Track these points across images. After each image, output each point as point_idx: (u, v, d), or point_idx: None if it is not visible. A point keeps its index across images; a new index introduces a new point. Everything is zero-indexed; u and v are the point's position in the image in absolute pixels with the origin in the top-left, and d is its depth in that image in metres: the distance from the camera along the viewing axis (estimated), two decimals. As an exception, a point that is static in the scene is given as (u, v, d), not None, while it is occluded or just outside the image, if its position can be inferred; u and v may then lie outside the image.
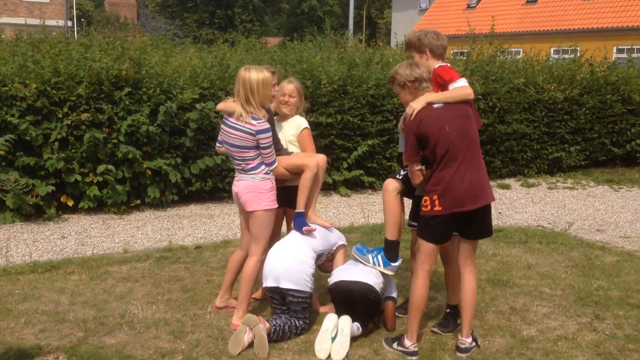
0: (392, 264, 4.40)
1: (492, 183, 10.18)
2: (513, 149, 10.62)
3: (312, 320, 4.45)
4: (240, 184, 4.39)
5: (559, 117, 11.05)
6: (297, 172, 4.53)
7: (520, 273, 5.73)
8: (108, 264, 5.74)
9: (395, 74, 4.08)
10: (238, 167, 4.40)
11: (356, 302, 4.24)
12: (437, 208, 3.94)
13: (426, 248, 4.05)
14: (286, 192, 4.63)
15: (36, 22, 17.22)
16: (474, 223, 4.06)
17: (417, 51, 4.19)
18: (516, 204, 8.91)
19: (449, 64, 4.19)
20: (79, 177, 7.42)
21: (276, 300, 4.35)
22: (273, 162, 4.37)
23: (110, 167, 7.47)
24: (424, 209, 4.02)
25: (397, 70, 4.09)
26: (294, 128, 4.73)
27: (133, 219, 7.52)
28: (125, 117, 7.61)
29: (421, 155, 4.01)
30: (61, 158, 7.31)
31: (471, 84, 9.86)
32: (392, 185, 4.33)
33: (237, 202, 4.51)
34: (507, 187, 10.01)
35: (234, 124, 4.28)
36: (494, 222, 7.68)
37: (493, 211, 8.27)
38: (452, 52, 12.31)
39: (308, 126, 4.78)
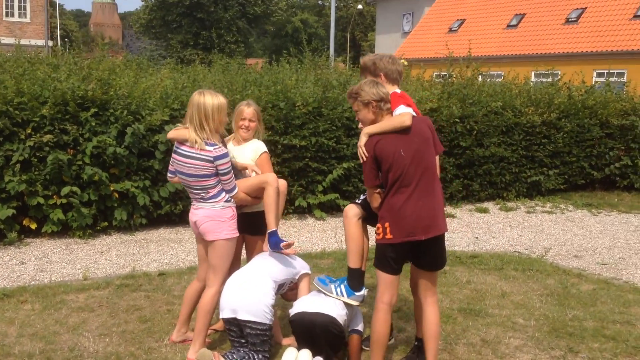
0: (356, 294, 4.19)
1: (470, 206, 10.16)
2: (491, 172, 10.51)
3: (272, 354, 4.23)
4: (199, 213, 4.17)
5: (537, 141, 10.97)
6: (257, 196, 4.35)
7: (494, 302, 5.54)
8: (65, 292, 5.48)
9: (360, 90, 3.91)
10: (196, 196, 4.19)
11: (318, 335, 4.02)
12: (389, 236, 3.77)
13: (382, 279, 3.87)
14: (246, 218, 4.43)
15: (16, 41, 17.01)
16: (427, 254, 3.89)
17: (371, 75, 4.09)
18: (494, 228, 8.77)
19: (399, 91, 4.04)
20: (41, 200, 7.16)
21: (234, 333, 4.12)
22: (234, 188, 4.17)
23: (75, 189, 7.22)
24: (377, 237, 3.86)
25: (362, 86, 3.91)
26: (251, 152, 4.54)
27: (98, 244, 7.26)
28: (90, 138, 7.39)
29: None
30: (23, 180, 7.06)
31: (448, 107, 9.89)
32: (352, 210, 4.15)
33: (194, 230, 4.30)
34: (485, 210, 9.88)
35: (189, 152, 4.07)
36: (471, 248, 7.60)
37: (470, 235, 8.23)
38: (433, 74, 12.25)
39: (266, 150, 4.60)
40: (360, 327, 4.26)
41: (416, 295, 4.25)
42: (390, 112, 3.89)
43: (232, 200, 4.18)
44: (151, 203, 7.81)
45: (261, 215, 4.36)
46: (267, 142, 8.31)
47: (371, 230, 4.13)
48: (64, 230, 7.48)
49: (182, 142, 4.11)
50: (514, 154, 10.70)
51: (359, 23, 58.92)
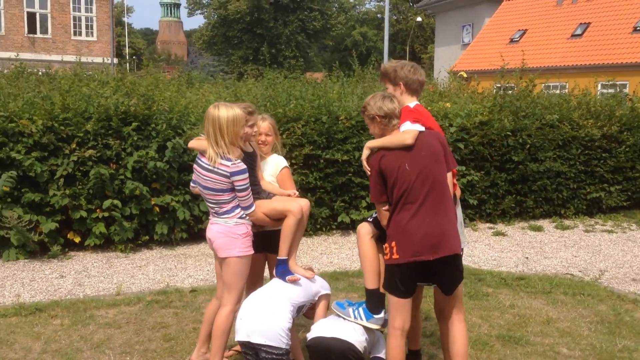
0: (376, 317, 3.97)
1: (523, 224, 9.71)
2: (547, 188, 10.04)
3: (292, 379, 4.05)
4: (214, 228, 4.07)
5: (597, 155, 10.43)
6: (278, 218, 4.18)
7: (537, 329, 5.19)
8: (96, 307, 5.47)
9: (366, 104, 3.77)
10: (211, 210, 4.09)
11: (335, 361, 3.83)
12: (395, 256, 3.57)
13: (392, 302, 3.67)
14: (267, 237, 4.29)
15: (84, 59, 17.42)
16: (439, 276, 3.66)
17: (391, 83, 3.88)
18: (547, 248, 8.32)
19: (413, 105, 3.82)
20: (84, 214, 7.25)
21: (250, 356, 3.96)
22: (250, 206, 4.04)
23: (116, 202, 7.28)
24: (385, 257, 3.67)
25: (368, 101, 3.76)
26: (272, 167, 4.40)
27: (138, 258, 7.28)
28: (132, 152, 7.45)
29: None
30: (67, 194, 7.17)
31: (499, 120, 9.51)
32: (364, 229, 3.96)
33: (210, 247, 4.19)
34: (539, 229, 9.42)
35: (207, 165, 3.97)
36: (519, 269, 7.22)
37: (519, 255, 7.84)
38: (494, 86, 11.80)
39: (287, 165, 4.45)
40: (382, 354, 4.03)
41: (442, 321, 4.01)
42: (397, 128, 3.70)
43: (247, 217, 4.04)
44: (192, 217, 7.80)
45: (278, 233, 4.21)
46: (309, 157, 8.31)
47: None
48: (107, 244, 7.56)
49: (203, 153, 4.03)
50: (571, 169, 10.19)
51: (419, 36, 58.42)
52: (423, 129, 3.68)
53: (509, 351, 4.70)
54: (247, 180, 3.96)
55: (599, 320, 5.45)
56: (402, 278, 3.61)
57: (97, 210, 7.35)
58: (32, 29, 31.05)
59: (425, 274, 3.66)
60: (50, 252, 7.15)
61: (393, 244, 3.58)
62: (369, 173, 3.72)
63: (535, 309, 5.71)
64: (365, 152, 3.72)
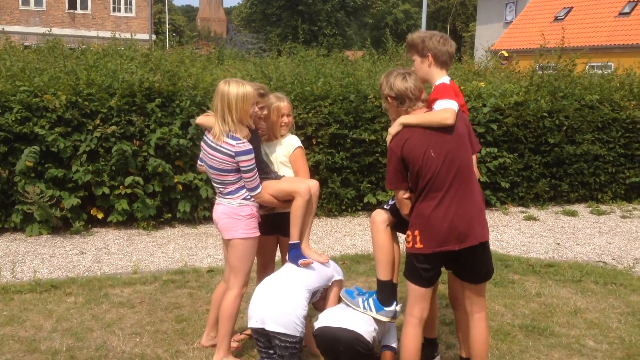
0: (386, 309, 3.77)
1: (557, 209, 9.37)
2: (583, 171, 9.65)
3: (302, 365, 3.92)
4: (218, 209, 3.95)
5: (638, 138, 9.96)
6: (286, 200, 4.02)
7: (564, 319, 4.95)
8: (112, 285, 5.44)
9: (380, 83, 3.52)
10: (217, 190, 3.97)
11: (342, 352, 3.67)
12: (419, 245, 3.35)
13: (412, 291, 3.46)
14: (279, 219, 4.15)
15: (123, 35, 17.42)
16: (465, 265, 3.44)
17: (418, 54, 3.56)
18: (580, 234, 7.99)
19: (449, 81, 3.54)
20: (107, 190, 7.23)
21: (261, 343, 3.84)
22: (256, 187, 3.89)
23: (138, 179, 7.24)
24: (407, 245, 3.45)
25: (382, 79, 3.51)
26: (285, 148, 4.23)
27: (159, 236, 7.24)
28: (155, 129, 7.38)
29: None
30: (90, 170, 7.15)
31: (535, 100, 9.14)
32: (380, 216, 3.75)
33: (216, 228, 4.07)
34: (573, 214, 9.06)
35: (213, 143, 3.83)
36: (549, 255, 6.94)
37: (550, 241, 7.54)
38: (536, 65, 11.34)
39: (301, 144, 4.27)
40: (394, 344, 3.86)
41: (457, 310, 3.82)
42: (417, 109, 3.45)
43: (252, 198, 3.90)
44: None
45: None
46: (335, 136, 8.12)
47: (402, 237, 3.73)
48: (130, 221, 7.54)
49: (209, 130, 3.89)
50: (610, 152, 9.77)
51: (460, 13, 57.17)
52: (457, 107, 3.41)
53: (531, 342, 4.48)
54: (253, 161, 3.81)
55: (629, 311, 5.17)
56: (427, 267, 3.42)
57: (120, 186, 7.32)
58: (72, 5, 31.39)
59: (449, 262, 3.47)
60: (73, 228, 7.16)
61: (416, 232, 3.38)
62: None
63: (562, 298, 5.45)
64: (397, 129, 3.42)
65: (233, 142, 3.75)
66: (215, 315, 4.19)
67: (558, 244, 7.46)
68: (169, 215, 7.68)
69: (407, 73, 3.48)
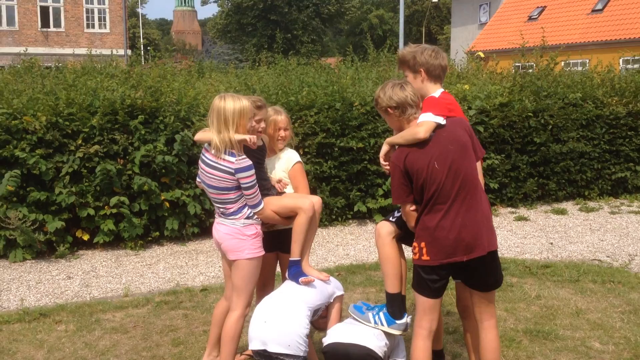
0: (398, 322, 3.68)
1: (546, 207, 9.35)
2: (570, 169, 9.66)
3: (306, 385, 3.80)
4: (221, 229, 3.82)
5: (622, 134, 10.01)
6: (288, 216, 3.92)
7: (567, 321, 4.89)
8: (102, 310, 5.27)
9: (377, 97, 3.43)
10: (218, 210, 3.84)
11: (353, 368, 3.57)
12: (425, 257, 3.28)
13: (421, 303, 3.38)
14: (278, 236, 4.04)
15: (97, 51, 17.17)
16: (474, 275, 3.37)
17: (410, 70, 3.50)
18: (571, 232, 7.98)
19: (438, 93, 3.46)
20: (92, 212, 7.05)
21: (263, 365, 3.72)
22: (258, 204, 3.78)
23: (123, 199, 7.07)
24: (413, 257, 3.38)
25: (378, 92, 3.43)
26: (284, 163, 4.13)
27: (148, 255, 7.08)
28: (139, 147, 7.23)
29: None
30: (73, 192, 6.97)
31: (520, 100, 9.14)
32: (385, 228, 3.65)
33: (218, 248, 3.95)
34: (562, 212, 9.06)
35: (211, 161, 3.71)
36: (544, 255, 6.89)
37: (543, 241, 7.51)
38: (513, 65, 11.39)
39: (300, 160, 4.18)
40: (402, 358, 3.76)
41: (467, 319, 3.73)
42: (415, 118, 3.38)
43: (256, 217, 3.79)
44: (203, 211, 7.57)
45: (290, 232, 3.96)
46: (323, 145, 8.03)
47: (407, 249, 3.65)
48: (117, 241, 7.37)
49: (207, 148, 3.77)
50: (595, 149, 9.80)
51: (435, 16, 57.56)
52: (443, 121, 3.33)
53: (537, 347, 4.41)
54: (254, 177, 3.69)
55: (631, 309, 5.13)
56: (433, 279, 3.34)
57: (105, 207, 7.15)
58: (45, 23, 31.03)
59: (457, 272, 3.40)
60: (58, 252, 6.97)
61: (422, 244, 3.30)
62: (387, 172, 3.42)
63: (563, 299, 5.40)
64: (384, 149, 3.40)
65: (232, 159, 3.63)
66: (216, 335, 4.05)
67: (551, 243, 7.42)
68: (157, 233, 7.52)
69: (403, 82, 3.41)
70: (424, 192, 3.26)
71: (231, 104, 3.66)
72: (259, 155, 3.93)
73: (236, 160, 3.64)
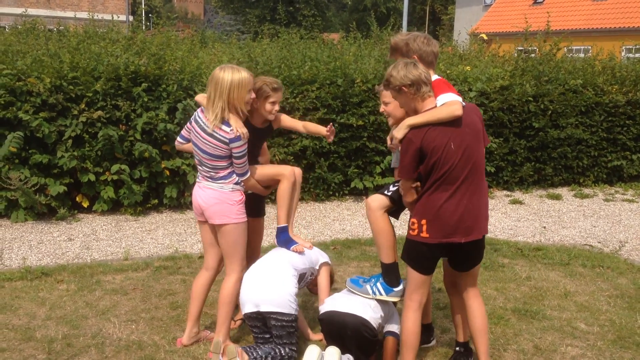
0: (395, 289, 3.82)
1: (541, 192, 9.47)
2: (567, 155, 9.76)
3: (300, 348, 3.92)
4: (206, 194, 3.86)
5: (621, 122, 10.09)
6: (268, 186, 4.11)
7: (555, 302, 5.02)
8: (103, 272, 5.38)
9: (389, 76, 3.45)
10: (205, 174, 3.90)
11: (348, 337, 3.70)
12: (424, 235, 3.38)
13: (414, 278, 3.49)
14: (248, 201, 4.03)
15: (99, 16, 17.02)
16: (465, 256, 3.50)
17: (403, 57, 3.58)
18: (565, 217, 8.10)
19: (439, 77, 3.56)
20: (92, 177, 7.13)
21: (257, 329, 3.85)
22: (245, 172, 3.88)
23: (124, 166, 7.15)
24: (410, 232, 3.47)
25: (390, 72, 3.45)
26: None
27: (147, 222, 7.18)
28: (142, 114, 7.28)
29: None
30: (75, 156, 7.04)
31: (521, 84, 9.19)
32: (376, 202, 3.74)
33: (196, 211, 4.00)
34: (557, 197, 9.18)
35: (207, 128, 3.75)
36: (536, 239, 7.02)
37: (537, 225, 7.63)
38: (515, 49, 11.41)
39: None
40: (396, 329, 3.89)
41: (453, 295, 3.86)
42: (431, 96, 3.44)
43: (242, 183, 3.89)
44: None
45: (257, 197, 4.19)
46: (323, 121, 8.08)
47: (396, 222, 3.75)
48: (116, 207, 7.46)
49: (202, 110, 3.84)
50: (593, 136, 9.89)
51: (440, -4, 57.04)
52: (464, 103, 3.41)
53: (524, 325, 4.55)
54: (245, 147, 3.78)
55: (618, 294, 5.27)
56: (428, 256, 3.46)
57: (106, 172, 7.23)
58: (46, -15, 30.71)
59: (450, 252, 3.51)
60: (58, 214, 7.06)
61: (423, 221, 3.38)
62: (394, 150, 3.48)
63: (552, 281, 5.53)
64: (404, 132, 3.36)
65: (227, 129, 3.70)
66: (196, 309, 4.06)
67: (544, 227, 7.55)
68: (156, 201, 7.62)
69: (414, 62, 3.46)
70: (433, 170, 3.33)
71: (229, 75, 3.70)
72: (263, 135, 4.13)
73: (231, 130, 3.71)
